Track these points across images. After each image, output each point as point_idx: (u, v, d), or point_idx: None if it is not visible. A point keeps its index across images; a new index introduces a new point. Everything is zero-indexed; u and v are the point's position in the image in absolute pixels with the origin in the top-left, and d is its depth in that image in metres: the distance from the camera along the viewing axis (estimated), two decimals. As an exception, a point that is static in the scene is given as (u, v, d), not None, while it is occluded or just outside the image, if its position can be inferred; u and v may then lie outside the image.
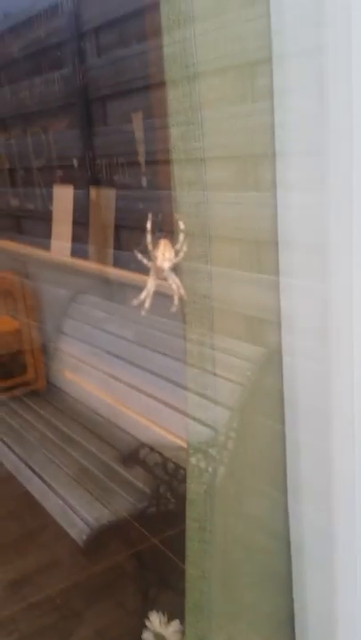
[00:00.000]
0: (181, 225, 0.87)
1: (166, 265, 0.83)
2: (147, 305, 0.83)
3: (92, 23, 2.07)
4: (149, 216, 0.80)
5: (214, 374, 0.97)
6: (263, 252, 0.93)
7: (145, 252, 0.83)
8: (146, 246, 0.81)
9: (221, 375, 0.99)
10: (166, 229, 0.92)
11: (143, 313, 0.82)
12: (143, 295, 0.84)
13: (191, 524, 0.94)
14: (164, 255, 0.83)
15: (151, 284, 0.83)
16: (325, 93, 0.77)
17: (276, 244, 0.90)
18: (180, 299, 0.85)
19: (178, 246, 0.84)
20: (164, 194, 1.81)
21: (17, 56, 2.57)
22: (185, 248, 0.84)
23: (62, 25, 2.19)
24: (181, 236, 0.85)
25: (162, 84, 0.90)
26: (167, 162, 0.92)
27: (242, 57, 0.89)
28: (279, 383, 0.95)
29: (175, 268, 0.83)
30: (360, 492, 0.89)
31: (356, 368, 0.84)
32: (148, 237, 0.82)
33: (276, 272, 0.91)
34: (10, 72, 2.70)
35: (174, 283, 0.87)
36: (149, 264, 0.83)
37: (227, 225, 0.94)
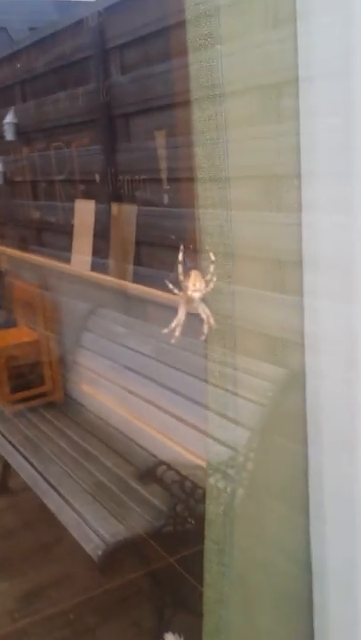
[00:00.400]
0: (212, 256, 0.88)
1: (197, 295, 0.84)
2: (177, 334, 0.83)
3: (118, 40, 2.09)
4: (181, 247, 0.81)
5: (235, 394, 0.96)
6: (287, 272, 0.93)
7: (175, 282, 0.84)
8: (177, 276, 0.83)
9: (243, 395, 0.98)
10: (189, 247, 0.92)
11: (173, 341, 0.83)
12: (174, 324, 0.85)
13: (210, 546, 0.93)
14: (195, 286, 0.84)
15: (182, 313, 0.84)
16: (352, 115, 0.77)
17: (301, 264, 0.89)
18: (210, 328, 0.86)
19: (208, 277, 0.85)
20: (185, 211, 1.82)
21: (42, 71, 2.61)
22: (215, 279, 0.85)
23: (87, 41, 2.21)
24: (211, 267, 0.86)
25: (185, 103, 0.90)
26: (189, 180, 0.92)
27: (268, 78, 0.89)
28: (302, 405, 0.94)
29: (205, 298, 0.84)
30: (383, 518, 0.87)
31: (380, 391, 0.83)
32: (180, 268, 0.83)
33: (301, 293, 0.90)
34: (34, 87, 2.74)
35: (204, 312, 0.88)
36: (180, 294, 0.84)
37: (250, 245, 0.94)
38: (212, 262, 0.87)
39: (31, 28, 2.72)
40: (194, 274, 0.85)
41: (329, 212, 0.84)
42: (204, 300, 0.84)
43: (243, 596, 0.98)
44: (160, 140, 1.91)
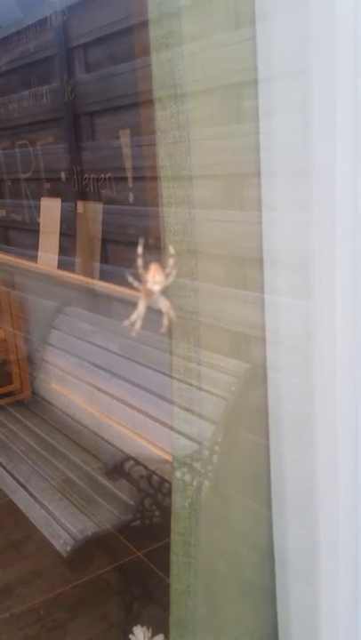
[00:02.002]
0: (171, 250, 0.89)
1: (156, 288, 0.84)
2: (137, 326, 0.84)
3: (82, 39, 2.08)
4: (140, 240, 0.82)
5: (200, 389, 0.98)
6: (248, 269, 0.95)
7: (136, 275, 0.85)
8: (137, 269, 0.83)
9: (207, 390, 1.00)
10: (153, 245, 0.93)
11: (134, 334, 0.84)
12: (134, 317, 0.86)
13: (176, 538, 0.94)
14: (155, 278, 0.85)
15: (142, 306, 0.85)
16: (310, 115, 0.79)
17: (261, 261, 0.91)
18: (170, 321, 0.87)
19: (168, 270, 0.86)
20: (150, 210, 1.83)
21: (5, 69, 2.58)
22: (174, 272, 0.86)
23: (51, 39, 2.20)
24: (171, 261, 0.87)
25: (150, 102, 0.91)
26: (154, 178, 0.93)
27: (229, 78, 0.90)
28: (264, 398, 0.96)
29: (165, 291, 0.85)
30: (343, 507, 0.90)
31: (338, 384, 0.85)
32: (139, 261, 0.84)
33: (262, 289, 0.92)
34: (-2, 84, 2.71)
35: (164, 305, 0.89)
36: (140, 287, 0.85)
37: (213, 242, 0.95)
38: (172, 256, 0.88)
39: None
40: (154, 267, 0.85)
41: (287, 209, 0.86)
42: (163, 292, 0.85)
43: (208, 587, 1.00)
44: (125, 138, 1.91)
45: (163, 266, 0.84)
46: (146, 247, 0.82)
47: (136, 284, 0.84)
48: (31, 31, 2.30)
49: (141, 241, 0.82)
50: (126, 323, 0.84)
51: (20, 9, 2.34)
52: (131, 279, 0.84)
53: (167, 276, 0.85)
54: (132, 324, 0.84)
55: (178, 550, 0.94)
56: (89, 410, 2.12)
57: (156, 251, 0.90)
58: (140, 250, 0.82)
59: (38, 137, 2.46)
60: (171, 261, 0.85)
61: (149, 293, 0.84)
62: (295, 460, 0.94)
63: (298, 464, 0.94)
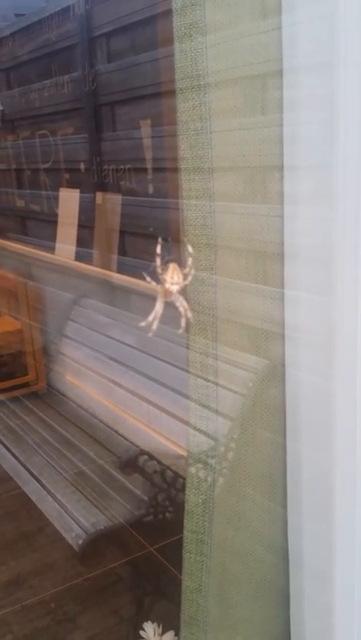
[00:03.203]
0: (190, 248, 0.87)
1: (174, 288, 0.83)
2: (154, 327, 0.83)
3: (104, 28, 2.07)
4: (159, 240, 0.81)
5: (217, 384, 0.97)
6: (269, 263, 0.93)
7: (153, 274, 0.84)
8: (155, 269, 0.83)
9: (224, 385, 0.99)
10: (173, 238, 0.92)
11: (150, 335, 0.83)
12: (151, 317, 0.85)
13: (189, 536, 0.93)
14: (173, 279, 0.84)
15: (159, 306, 0.84)
16: (336, 108, 0.77)
17: (282, 256, 0.89)
18: (187, 321, 0.86)
19: (186, 270, 0.85)
20: (170, 202, 1.81)
21: (27, 58, 2.58)
22: (193, 272, 0.84)
23: (73, 29, 2.19)
24: (190, 260, 0.86)
25: (171, 93, 0.90)
26: (174, 170, 0.92)
27: (253, 69, 0.88)
28: (281, 395, 0.95)
29: (183, 291, 0.84)
30: (360, 507, 0.89)
31: (359, 382, 0.84)
32: (158, 261, 0.83)
33: (282, 284, 0.90)
34: (20, 74, 2.71)
35: (182, 306, 0.88)
36: (158, 287, 0.84)
37: (233, 236, 0.94)
38: (190, 255, 0.87)
39: (18, 15, 2.69)
40: (172, 266, 0.85)
41: (310, 204, 0.84)
42: (181, 292, 0.84)
43: (221, 585, 0.99)
44: (145, 129, 1.90)
45: (182, 262, 0.83)
46: (164, 244, 0.82)
47: (153, 283, 0.83)
48: (53, 20, 2.29)
49: (160, 240, 0.81)
50: (143, 323, 0.84)
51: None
52: (148, 279, 0.84)
53: (185, 276, 0.84)
54: (150, 325, 0.83)
55: (190, 548, 0.93)
56: (104, 403, 2.12)
57: (175, 244, 0.89)
58: (158, 249, 0.81)
59: (58, 127, 2.45)
60: (189, 261, 0.84)
61: (167, 294, 0.83)
62: (312, 458, 0.93)
63: (315, 463, 0.92)
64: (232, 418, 1.02)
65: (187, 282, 0.84)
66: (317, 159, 0.82)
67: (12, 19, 2.76)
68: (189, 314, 0.86)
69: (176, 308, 0.91)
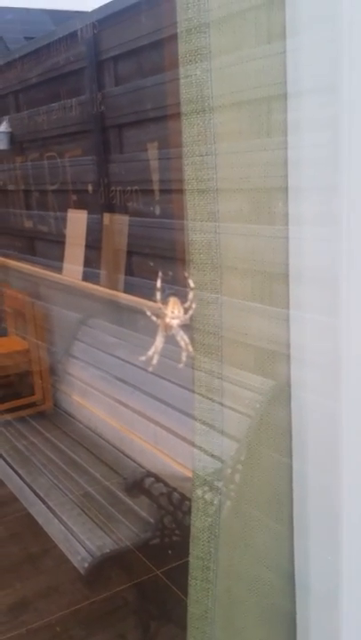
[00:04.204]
0: (191, 283, 0.88)
1: (175, 322, 0.83)
2: (154, 362, 0.83)
3: (112, 52, 2.10)
4: (159, 274, 0.81)
5: (222, 405, 0.96)
6: (274, 284, 0.93)
7: (154, 310, 0.84)
8: (155, 302, 0.83)
9: (230, 406, 0.98)
10: (179, 259, 0.92)
11: (151, 369, 0.83)
12: (151, 351, 0.85)
13: (194, 563, 0.92)
14: (173, 313, 0.84)
15: (159, 340, 0.84)
16: (340, 130, 0.78)
17: (288, 277, 0.89)
18: (188, 356, 0.86)
19: (187, 304, 0.85)
20: (176, 222, 1.82)
21: (36, 81, 2.62)
22: (194, 305, 0.84)
23: (81, 52, 2.23)
24: (191, 294, 0.86)
25: (178, 115, 0.90)
26: (181, 191, 0.92)
27: (257, 92, 0.89)
28: (288, 417, 0.94)
29: (184, 326, 0.84)
30: (368, 531, 0.87)
31: (365, 404, 0.83)
32: (158, 295, 0.83)
33: (288, 305, 0.90)
34: (29, 96, 2.75)
35: (182, 340, 0.87)
36: (158, 321, 0.84)
37: (239, 257, 0.94)
38: (192, 289, 0.87)
39: (27, 38, 2.74)
40: (172, 300, 0.84)
41: (315, 225, 0.84)
42: (182, 327, 0.84)
43: (227, 612, 0.97)
44: (153, 151, 1.92)
45: (186, 286, 0.83)
46: (166, 273, 0.81)
47: (154, 318, 0.83)
48: (62, 43, 2.33)
49: (160, 274, 0.81)
50: (143, 358, 0.84)
51: (52, 21, 2.38)
52: (149, 314, 0.83)
53: (186, 310, 0.84)
54: (150, 359, 0.83)
55: (196, 575, 0.92)
56: (111, 423, 2.11)
57: (181, 265, 0.89)
58: (158, 283, 0.81)
59: (66, 149, 2.48)
60: (190, 295, 0.84)
61: (168, 327, 0.83)
62: (319, 481, 0.92)
63: (321, 485, 0.91)
64: (238, 439, 1.02)
65: (188, 316, 0.84)
66: (322, 181, 0.83)
67: (21, 42, 2.81)
68: (190, 348, 0.85)
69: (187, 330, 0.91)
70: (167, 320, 0.82)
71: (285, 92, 0.84)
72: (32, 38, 2.64)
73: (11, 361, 2.63)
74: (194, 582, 0.92)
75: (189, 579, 0.93)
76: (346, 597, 0.91)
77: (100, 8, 2.03)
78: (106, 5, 1.98)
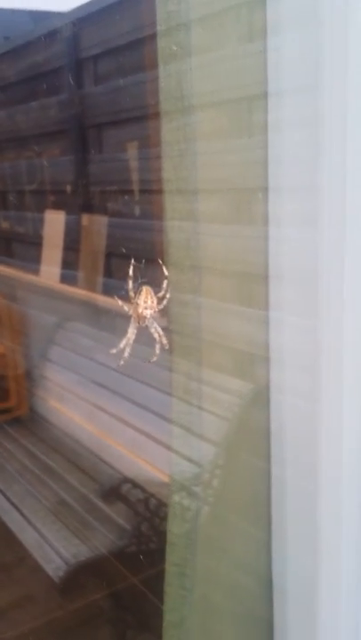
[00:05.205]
0: (165, 270, 0.85)
1: (148, 313, 0.80)
2: (126, 354, 0.80)
3: (92, 51, 2.09)
4: (131, 261, 0.79)
5: (200, 408, 0.95)
6: (253, 285, 0.92)
7: (126, 299, 0.81)
8: (127, 292, 0.80)
9: (208, 410, 0.97)
10: (157, 259, 0.90)
11: (122, 363, 0.80)
12: (123, 344, 0.82)
13: (171, 569, 0.90)
14: (146, 302, 0.81)
15: (131, 332, 0.81)
16: (320, 130, 0.77)
17: (267, 277, 0.88)
18: (162, 348, 0.83)
19: (161, 294, 0.82)
20: (157, 223, 1.81)
21: (14, 80, 2.59)
22: (168, 295, 0.82)
23: (60, 51, 2.21)
24: (165, 283, 0.83)
25: (158, 115, 0.89)
26: (161, 192, 0.91)
27: (238, 92, 0.88)
28: (267, 420, 0.93)
29: (157, 316, 0.82)
30: (346, 535, 0.86)
31: (345, 406, 0.82)
32: (129, 283, 0.80)
33: (267, 307, 0.89)
34: (5, 95, 2.72)
35: (156, 332, 0.84)
36: (130, 311, 0.81)
37: (218, 257, 0.93)
38: (166, 277, 0.84)
39: (6, 38, 2.71)
40: (145, 289, 0.82)
41: (295, 225, 0.83)
42: (156, 317, 0.81)
43: (204, 619, 0.95)
44: (132, 151, 1.91)
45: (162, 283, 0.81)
46: (138, 266, 0.79)
47: (126, 307, 0.80)
48: (40, 43, 2.31)
49: (132, 261, 0.79)
50: (114, 350, 0.81)
51: (30, 20, 2.36)
52: (120, 302, 0.81)
53: (160, 299, 0.81)
54: (121, 352, 0.80)
55: (172, 581, 0.90)
56: (88, 429, 2.09)
57: (158, 266, 0.87)
58: (130, 271, 0.79)
59: (44, 149, 2.46)
60: (164, 283, 0.82)
61: (141, 318, 0.80)
62: (297, 485, 0.91)
63: (300, 489, 0.90)
64: (216, 443, 1.00)
65: (161, 306, 0.81)
66: (302, 181, 0.82)
67: (0, 41, 2.77)
68: (165, 340, 0.83)
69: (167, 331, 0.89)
70: (140, 310, 0.80)
71: (266, 91, 0.84)
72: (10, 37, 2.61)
73: (-17, 365, 2.59)
74: (169, 589, 0.90)
75: (165, 586, 0.91)
76: (324, 603, 0.90)
77: (81, 7, 2.01)
78: (87, 4, 1.97)
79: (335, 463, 0.84)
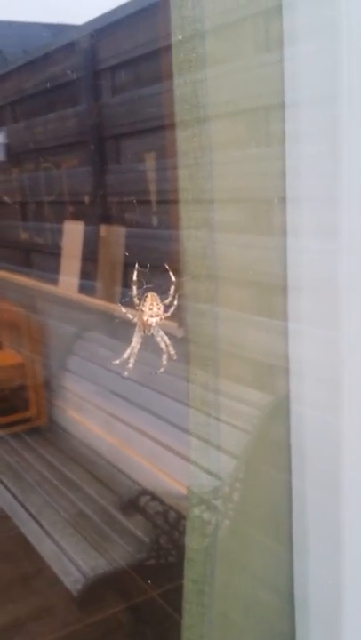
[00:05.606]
0: (172, 276, 0.81)
1: (153, 321, 0.75)
2: (130, 365, 0.76)
3: (109, 62, 2.10)
4: (136, 266, 0.74)
5: (218, 419, 0.94)
6: (272, 296, 0.91)
7: (131, 306, 0.77)
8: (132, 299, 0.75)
9: (226, 421, 0.96)
10: (173, 268, 0.89)
11: (126, 374, 0.75)
12: (127, 354, 0.77)
13: (189, 586, 0.88)
14: (152, 310, 0.76)
15: (136, 341, 0.76)
16: (339, 140, 0.76)
17: (286, 288, 0.87)
18: (170, 359, 0.79)
19: (168, 300, 0.77)
20: (174, 233, 1.80)
21: (33, 92, 2.62)
22: (176, 302, 0.77)
23: (78, 63, 2.23)
24: (172, 289, 0.79)
25: (175, 125, 0.89)
26: (178, 202, 0.91)
27: (254, 101, 0.88)
28: (287, 432, 0.91)
29: (163, 324, 0.77)
30: (370, 550, 0.85)
31: (367, 419, 0.81)
32: (134, 290, 0.75)
33: (286, 317, 0.88)
34: (25, 107, 2.75)
35: (163, 341, 0.79)
36: (135, 319, 0.76)
37: (235, 267, 0.92)
38: (173, 283, 0.79)
39: (25, 51, 2.74)
40: (150, 296, 0.76)
41: (314, 236, 0.82)
42: (161, 325, 0.76)
43: (223, 636, 0.94)
44: (150, 161, 1.91)
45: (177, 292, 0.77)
46: (143, 271, 0.75)
47: (130, 315, 0.76)
48: (59, 54, 2.33)
49: (137, 265, 0.75)
50: (117, 361, 0.76)
51: (51, 34, 2.38)
52: (124, 310, 0.76)
53: (167, 307, 0.76)
54: (125, 362, 0.76)
55: (191, 599, 0.88)
56: (106, 439, 2.08)
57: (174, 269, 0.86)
58: (134, 275, 0.74)
59: (63, 160, 2.47)
60: (172, 289, 0.77)
61: (146, 327, 0.75)
62: (319, 498, 0.89)
63: (322, 504, 0.89)
64: (236, 455, 0.99)
65: (168, 313, 0.76)
66: (321, 191, 0.81)
67: (19, 54, 2.81)
68: (172, 350, 0.79)
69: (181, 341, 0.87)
70: (145, 318, 0.75)
71: (283, 102, 0.83)
72: (30, 50, 2.64)
73: (5, 375, 2.59)
74: (188, 606, 0.89)
75: (184, 603, 0.89)
76: (347, 619, 0.88)
77: (97, 19, 2.03)
78: (103, 16, 1.98)
79: (358, 476, 0.82)
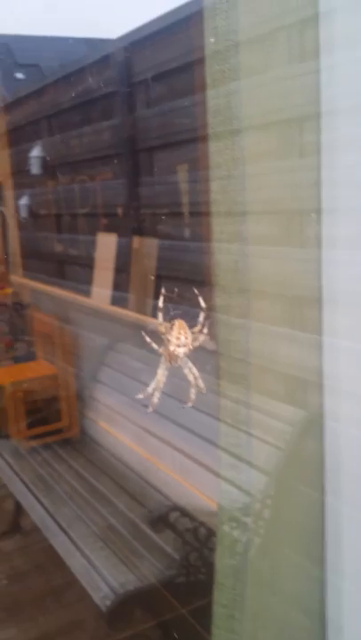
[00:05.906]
0: (202, 302, 0.75)
1: (181, 351, 0.69)
2: (155, 399, 0.69)
3: (143, 75, 2.11)
4: (162, 291, 0.68)
5: (250, 435, 0.92)
6: (306, 309, 0.89)
7: (154, 334, 0.71)
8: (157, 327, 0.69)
9: (258, 437, 0.93)
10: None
11: (150, 410, 0.69)
12: (151, 388, 0.71)
13: (218, 611, 0.85)
14: (179, 339, 0.69)
15: (161, 374, 0.69)
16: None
17: (320, 301, 0.85)
18: (199, 392, 0.73)
19: (197, 328, 0.71)
20: (206, 246, 1.80)
21: (68, 105, 2.65)
22: (205, 330, 0.71)
23: (113, 76, 2.25)
24: (202, 317, 0.72)
25: (208, 137, 0.88)
26: (210, 214, 0.90)
27: (289, 112, 0.87)
28: (320, 449, 0.89)
29: (191, 355, 0.70)
30: None
31: None
32: (160, 317, 0.69)
33: (320, 331, 0.86)
34: (61, 121, 2.79)
35: (191, 373, 0.72)
36: (161, 349, 0.70)
37: (268, 280, 0.90)
38: (203, 309, 0.73)
39: (62, 65, 2.78)
40: (178, 324, 0.70)
41: (351, 247, 0.80)
42: (190, 356, 0.69)
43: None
44: (182, 174, 1.91)
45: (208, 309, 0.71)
46: (170, 299, 0.69)
47: (154, 345, 0.70)
48: (94, 68, 2.36)
49: (163, 291, 0.69)
50: (141, 396, 0.70)
51: (86, 48, 2.41)
52: (148, 340, 0.70)
53: (195, 336, 0.69)
54: (150, 397, 0.70)
55: (220, 624, 0.85)
56: (137, 452, 2.06)
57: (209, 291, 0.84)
58: (160, 302, 0.68)
59: (97, 172, 2.49)
60: (201, 317, 0.70)
61: (173, 358, 0.69)
62: (354, 518, 0.86)
63: (356, 523, 0.86)
64: (267, 472, 0.97)
65: (197, 343, 0.69)
66: (358, 202, 0.79)
67: (55, 68, 2.85)
68: (201, 383, 0.72)
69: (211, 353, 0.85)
70: (171, 348, 0.67)
71: (319, 112, 0.81)
72: (66, 64, 2.68)
73: (39, 386, 2.61)
74: (218, 632, 0.86)
75: (213, 628, 0.86)
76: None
77: (132, 32, 2.05)
78: (136, 30, 2.00)
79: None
